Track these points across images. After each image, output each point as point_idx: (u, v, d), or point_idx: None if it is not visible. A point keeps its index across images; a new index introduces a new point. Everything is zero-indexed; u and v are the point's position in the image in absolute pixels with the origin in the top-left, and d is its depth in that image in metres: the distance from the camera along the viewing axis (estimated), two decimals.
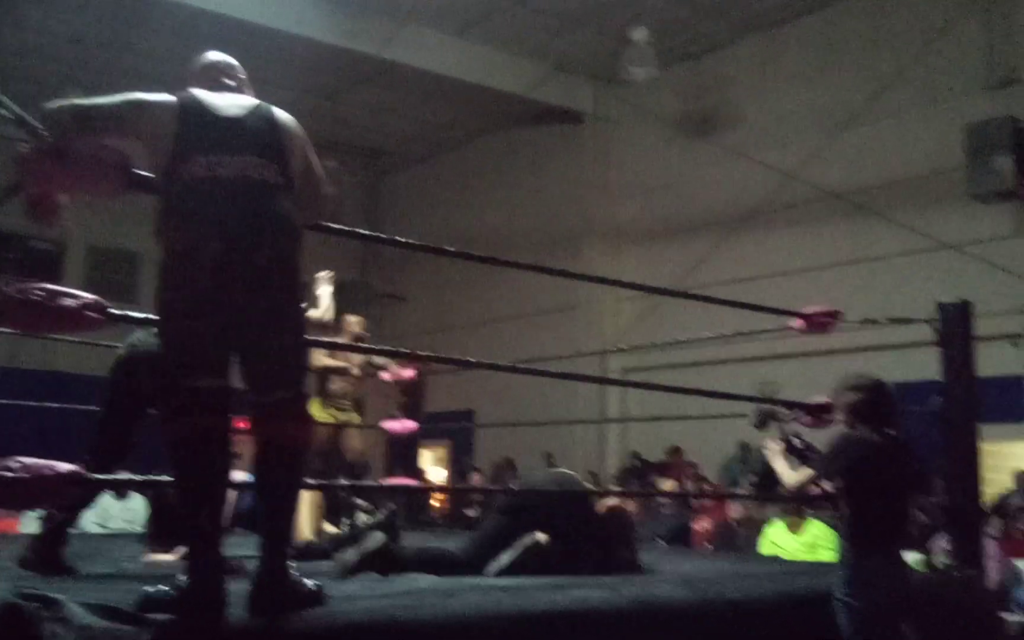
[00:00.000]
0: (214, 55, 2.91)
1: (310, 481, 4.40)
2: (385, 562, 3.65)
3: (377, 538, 3.74)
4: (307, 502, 4.58)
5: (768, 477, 10.38)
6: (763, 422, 4.17)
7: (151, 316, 2.73)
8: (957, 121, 10.06)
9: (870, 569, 3.46)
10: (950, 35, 10.74)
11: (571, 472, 4.46)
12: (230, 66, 2.90)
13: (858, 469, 3.54)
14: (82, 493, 3.62)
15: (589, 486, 4.55)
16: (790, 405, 4.38)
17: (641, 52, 11.77)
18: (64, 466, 2.46)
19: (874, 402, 3.62)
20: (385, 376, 6.48)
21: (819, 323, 4.88)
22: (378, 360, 6.60)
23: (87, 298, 2.71)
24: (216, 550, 2.50)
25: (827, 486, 4.02)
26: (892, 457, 3.57)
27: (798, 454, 3.72)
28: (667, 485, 9.37)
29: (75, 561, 3.62)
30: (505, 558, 3.80)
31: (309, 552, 4.37)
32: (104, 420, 3.72)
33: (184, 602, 2.39)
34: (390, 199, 18.29)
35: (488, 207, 15.89)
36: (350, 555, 3.65)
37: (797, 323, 4.92)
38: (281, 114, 2.77)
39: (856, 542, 3.53)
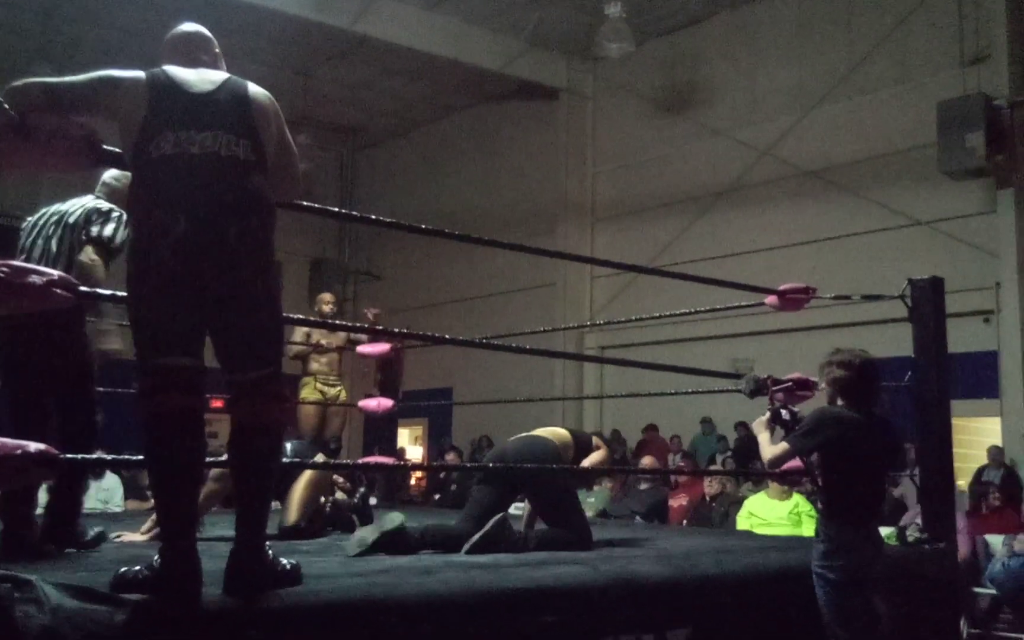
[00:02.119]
0: (188, 27, 2.85)
1: (285, 460, 4.37)
2: (400, 542, 3.70)
3: (395, 518, 3.77)
4: (304, 484, 4.49)
5: (741, 453, 10.47)
6: (755, 391, 4.19)
7: (120, 293, 2.70)
8: (929, 98, 10.13)
9: (845, 542, 3.51)
10: (923, 13, 10.81)
11: (543, 435, 4.48)
12: (204, 39, 2.85)
13: (834, 445, 3.58)
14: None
15: (561, 432, 4.56)
16: (776, 382, 4.39)
17: (616, 28, 11.74)
18: (33, 445, 2.42)
19: (859, 380, 3.64)
20: (363, 349, 6.45)
21: (793, 300, 4.90)
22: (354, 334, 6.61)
23: (54, 275, 2.66)
24: (190, 530, 2.48)
25: (806, 461, 4.06)
26: (869, 434, 3.60)
27: (784, 426, 3.74)
28: (645, 462, 9.41)
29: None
30: (476, 535, 3.82)
31: (287, 531, 4.35)
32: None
33: (158, 582, 2.38)
34: (365, 175, 18.19)
35: (463, 183, 15.85)
36: (368, 533, 3.68)
37: (771, 300, 4.93)
38: (255, 89, 2.72)
39: (832, 515, 3.58)
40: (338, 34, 12.45)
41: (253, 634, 2.41)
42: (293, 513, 4.44)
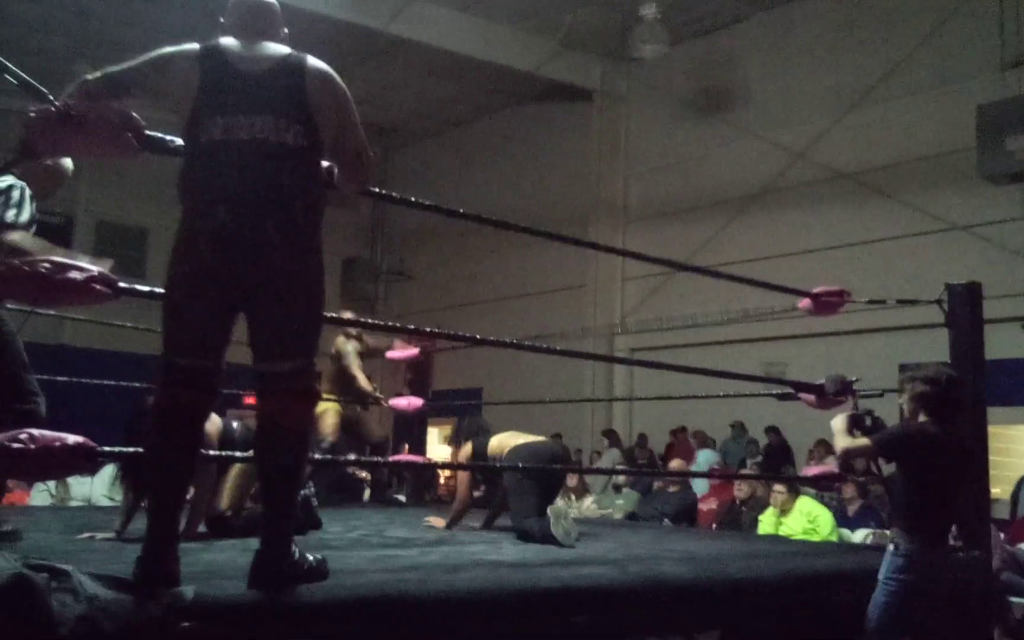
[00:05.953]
0: None
1: (316, 457, 4.39)
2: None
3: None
4: (237, 471, 4.31)
5: (772, 458, 10.36)
6: (839, 391, 4.20)
7: (157, 289, 2.72)
8: (969, 101, 9.98)
9: (923, 560, 3.50)
10: (963, 15, 10.65)
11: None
12: (269, 9, 2.76)
13: (914, 458, 3.57)
14: None
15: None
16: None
17: (651, 28, 11.70)
18: (72, 438, 2.46)
19: (946, 396, 3.62)
20: (393, 354, 6.49)
21: (827, 303, 4.86)
22: (384, 339, 6.69)
23: (94, 271, 2.67)
24: (173, 524, 2.49)
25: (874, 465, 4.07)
26: (949, 451, 3.59)
27: (865, 431, 3.73)
28: (673, 465, 9.37)
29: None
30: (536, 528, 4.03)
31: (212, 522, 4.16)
32: None
33: (136, 574, 2.36)
34: (398, 175, 18.25)
35: (496, 184, 15.86)
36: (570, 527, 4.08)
37: (804, 303, 4.89)
38: (315, 66, 2.61)
39: (913, 532, 3.56)
40: (373, 35, 12.50)
41: (280, 629, 2.43)
42: (224, 500, 4.17)
